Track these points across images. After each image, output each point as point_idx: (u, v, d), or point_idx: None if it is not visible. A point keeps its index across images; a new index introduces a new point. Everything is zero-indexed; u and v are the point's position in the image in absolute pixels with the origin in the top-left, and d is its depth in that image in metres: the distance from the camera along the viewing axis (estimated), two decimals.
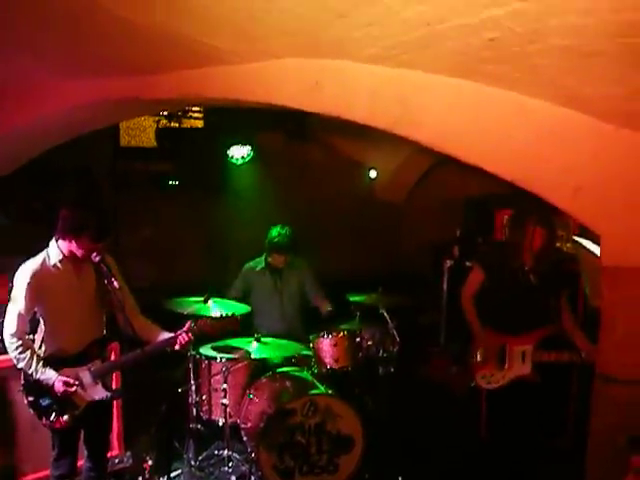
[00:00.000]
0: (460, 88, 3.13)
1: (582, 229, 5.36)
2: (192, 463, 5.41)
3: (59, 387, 3.96)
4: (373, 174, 8.14)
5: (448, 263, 7.36)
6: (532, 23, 2.31)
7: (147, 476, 5.15)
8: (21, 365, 3.98)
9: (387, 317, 5.64)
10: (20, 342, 3.96)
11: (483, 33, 2.49)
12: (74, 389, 4.01)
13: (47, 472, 4.41)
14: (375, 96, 3.28)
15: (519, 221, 4.69)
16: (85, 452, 4.41)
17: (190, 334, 4.30)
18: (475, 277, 4.87)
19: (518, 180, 3.27)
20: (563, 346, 4.61)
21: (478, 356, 4.73)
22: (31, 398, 4.06)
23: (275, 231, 5.88)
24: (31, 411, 4.09)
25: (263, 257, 6.09)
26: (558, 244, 5.76)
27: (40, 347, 4.09)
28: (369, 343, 5.56)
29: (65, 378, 3.99)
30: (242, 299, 5.80)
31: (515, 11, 2.25)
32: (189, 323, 4.35)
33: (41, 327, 4.10)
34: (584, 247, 5.40)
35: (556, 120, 3.12)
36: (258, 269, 6.09)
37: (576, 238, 5.60)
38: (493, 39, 2.52)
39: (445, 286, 7.33)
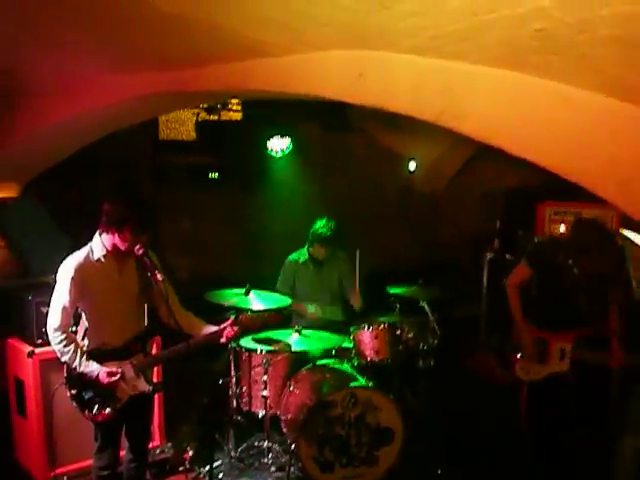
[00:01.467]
0: (505, 79, 3.09)
1: (628, 221, 5.29)
2: (232, 454, 5.46)
3: (103, 378, 4.00)
4: (412, 165, 8.09)
5: (488, 256, 7.31)
6: (582, 13, 2.27)
7: (187, 466, 5.22)
8: (65, 358, 4.03)
9: (427, 310, 5.63)
10: (64, 336, 4.01)
11: (531, 23, 2.45)
12: (118, 378, 4.05)
13: (89, 462, 4.49)
14: (419, 88, 3.25)
15: (586, 227, 4.60)
16: (127, 444, 4.47)
17: (235, 327, 4.33)
18: (521, 271, 4.84)
19: (563, 172, 3.21)
20: (603, 348, 4.58)
21: (518, 348, 4.73)
22: (74, 391, 4.11)
23: (320, 223, 5.94)
24: (74, 404, 4.14)
25: (305, 249, 6.13)
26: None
27: (82, 340, 4.14)
28: (409, 335, 5.54)
29: (108, 369, 4.03)
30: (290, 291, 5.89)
31: (565, 0, 2.21)
32: (232, 318, 4.38)
33: (83, 321, 4.15)
34: (631, 240, 5.34)
35: (603, 111, 3.06)
36: (301, 261, 6.14)
37: (622, 231, 5.52)
38: (541, 29, 2.47)
39: (485, 279, 7.29)
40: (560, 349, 4.62)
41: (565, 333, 4.62)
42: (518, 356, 4.76)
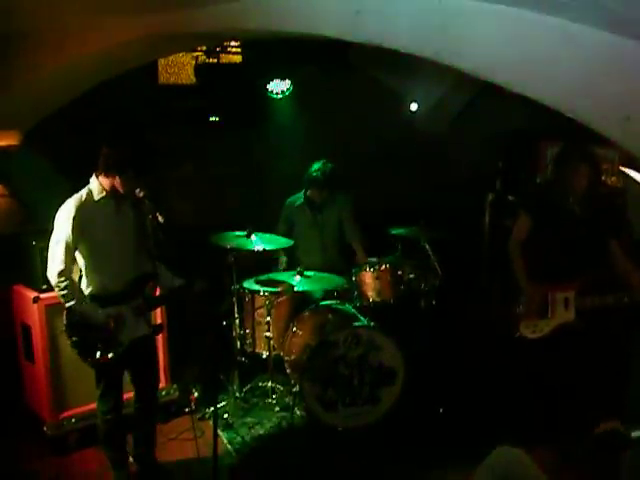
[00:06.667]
0: (504, 15, 3.03)
1: (629, 160, 5.24)
2: (237, 395, 5.54)
3: (106, 323, 4.04)
4: (414, 106, 8.02)
5: (490, 197, 7.28)
6: None
7: (193, 408, 5.30)
8: (69, 303, 4.05)
9: (429, 250, 5.63)
10: (68, 281, 4.02)
11: None
12: (119, 323, 4.09)
13: (93, 406, 4.54)
14: (417, 24, 3.20)
15: (564, 158, 4.54)
16: (134, 389, 4.53)
17: None
18: (522, 221, 4.74)
19: (564, 109, 3.19)
20: (606, 290, 4.48)
21: (520, 306, 4.63)
22: (75, 338, 4.11)
23: (316, 166, 5.87)
24: (75, 350, 4.15)
25: (302, 192, 6.11)
26: (603, 177, 5.63)
27: (80, 286, 4.16)
28: (411, 276, 5.57)
29: (110, 312, 4.07)
30: (289, 233, 5.90)
31: None
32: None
33: (79, 266, 4.15)
34: (631, 178, 5.29)
35: (604, 47, 3.02)
36: (297, 204, 6.11)
37: (623, 169, 5.48)
38: None
39: (487, 220, 7.27)
40: (563, 299, 4.49)
41: (567, 282, 4.50)
42: (521, 314, 4.60)
